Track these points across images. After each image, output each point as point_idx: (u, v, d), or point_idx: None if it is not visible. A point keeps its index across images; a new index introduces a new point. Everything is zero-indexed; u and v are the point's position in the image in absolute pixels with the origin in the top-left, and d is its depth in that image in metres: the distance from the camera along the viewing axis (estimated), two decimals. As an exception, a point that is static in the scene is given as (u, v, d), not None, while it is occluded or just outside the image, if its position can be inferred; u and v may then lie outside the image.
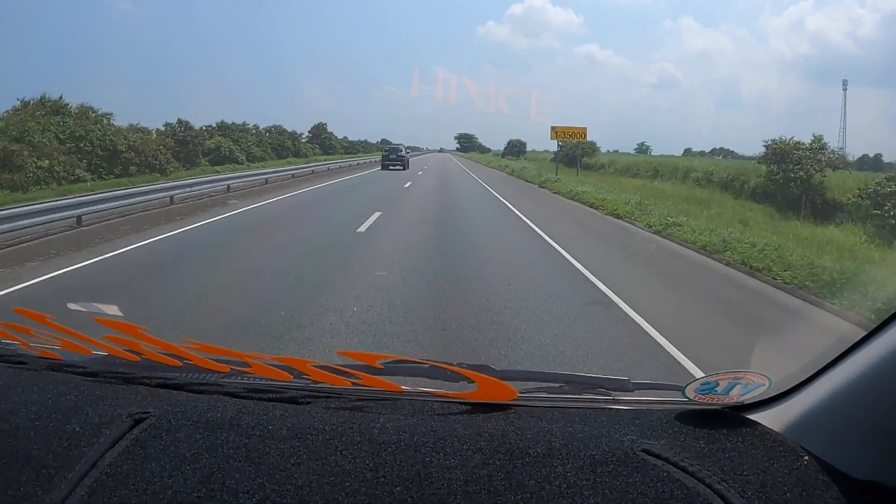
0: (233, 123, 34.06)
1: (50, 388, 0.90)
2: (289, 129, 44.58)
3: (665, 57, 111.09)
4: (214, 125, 32.01)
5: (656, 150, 56.88)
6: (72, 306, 1.47)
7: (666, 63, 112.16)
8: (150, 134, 23.39)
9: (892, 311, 0.79)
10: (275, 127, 42.23)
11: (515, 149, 64.02)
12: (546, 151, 61.64)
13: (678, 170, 25.48)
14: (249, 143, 33.37)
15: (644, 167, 28.11)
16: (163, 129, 24.49)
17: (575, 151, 33.26)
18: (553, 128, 27.21)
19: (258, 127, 37.79)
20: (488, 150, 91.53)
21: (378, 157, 37.92)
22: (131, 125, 23.28)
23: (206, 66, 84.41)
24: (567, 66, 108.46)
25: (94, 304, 1.48)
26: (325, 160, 35.42)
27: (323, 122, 61.14)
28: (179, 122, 25.08)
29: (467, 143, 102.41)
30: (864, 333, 0.80)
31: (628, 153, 50.73)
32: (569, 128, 27.78)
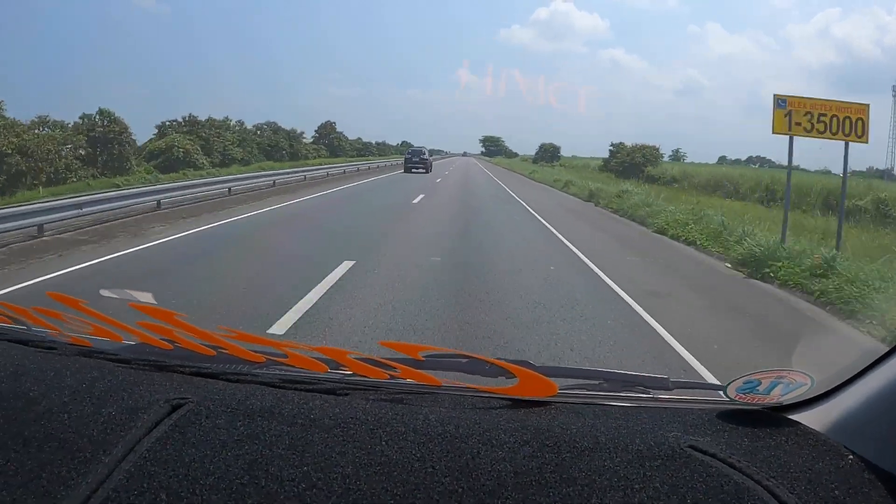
0: (209, 119, 27.03)
1: (83, 372, 0.90)
2: (286, 128, 38.55)
3: (690, 63, 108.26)
4: (181, 120, 24.96)
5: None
6: (104, 293, 1.29)
7: (690, 69, 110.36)
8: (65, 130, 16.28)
9: None
10: (268, 124, 35.27)
11: (548, 153, 56.17)
12: (576, 157, 54.34)
13: (808, 191, 16.80)
14: (227, 143, 27.80)
15: (747, 183, 19.82)
16: (80, 121, 17.29)
17: (633, 158, 25.22)
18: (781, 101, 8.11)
19: (243, 124, 30.73)
20: (515, 155, 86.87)
21: (395, 160, 36.96)
22: (40, 118, 16.15)
23: (218, 62, 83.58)
24: (591, 70, 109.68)
25: (128, 291, 1.24)
26: (330, 163, 30.49)
27: (332, 120, 53.93)
28: (102, 112, 18.07)
29: (493, 147, 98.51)
30: None
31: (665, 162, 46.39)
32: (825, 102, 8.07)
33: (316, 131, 54.29)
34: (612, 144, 26.53)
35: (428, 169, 31.59)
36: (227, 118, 30.44)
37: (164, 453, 0.72)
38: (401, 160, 38.81)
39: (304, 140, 41.78)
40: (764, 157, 46.63)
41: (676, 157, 69.31)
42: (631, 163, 24.91)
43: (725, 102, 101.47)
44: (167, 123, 25.78)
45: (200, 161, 22.09)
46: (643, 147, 25.46)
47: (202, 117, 26.85)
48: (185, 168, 21.49)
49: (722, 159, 55.17)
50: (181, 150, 21.21)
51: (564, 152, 60.22)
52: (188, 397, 0.83)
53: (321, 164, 28.39)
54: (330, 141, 54.22)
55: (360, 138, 65.38)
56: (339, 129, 54.58)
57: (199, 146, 24.14)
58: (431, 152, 40.30)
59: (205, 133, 25.37)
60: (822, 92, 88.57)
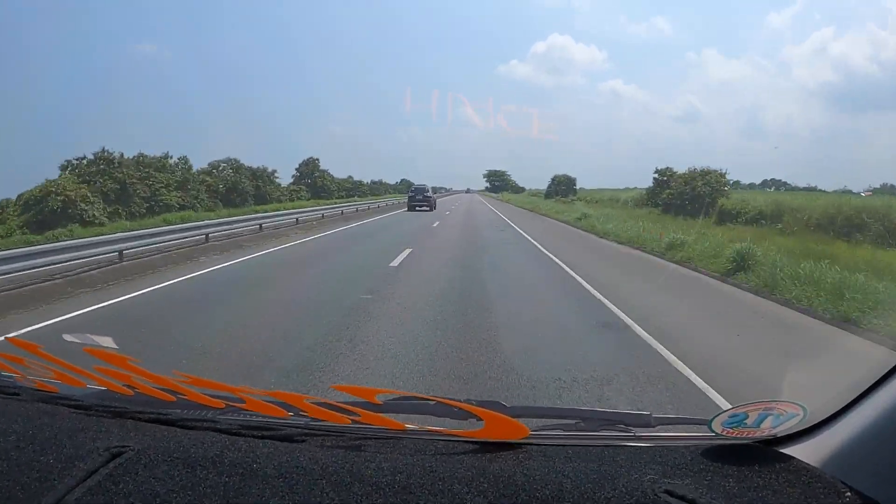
0: (138, 156, 20.60)
1: (34, 419, 0.90)
2: (253, 165, 33.05)
3: (689, 89, 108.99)
4: (92, 157, 18.35)
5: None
6: (67, 337, 1.38)
7: (690, 95, 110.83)
8: None
9: None
10: (227, 161, 28.56)
11: (562, 186, 48.74)
12: (601, 190, 47.79)
13: None
14: (159, 186, 22.03)
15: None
16: None
17: (695, 188, 18.10)
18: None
19: (188, 161, 24.18)
20: (522, 190, 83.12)
21: (393, 199, 36.11)
22: None
23: (222, 102, 77.63)
24: (591, 101, 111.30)
25: (89, 336, 1.38)
26: (304, 208, 25.05)
27: (315, 157, 47.20)
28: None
29: (498, 182, 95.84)
30: None
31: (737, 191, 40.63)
32: None
33: (297, 169, 47.70)
34: (657, 171, 19.79)
35: (432, 207, 31.48)
36: (167, 154, 23.53)
37: (93, 503, 0.70)
38: (397, 200, 38.18)
39: (277, 179, 36.20)
40: (779, 180, 45.26)
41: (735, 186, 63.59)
42: (693, 194, 17.60)
43: (725, 127, 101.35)
44: (71, 163, 18.89)
45: (91, 213, 14.91)
46: (705, 173, 18.34)
47: (130, 154, 20.12)
48: (68, 223, 14.41)
49: (735, 184, 54.65)
50: (60, 198, 14.09)
51: (580, 184, 53.46)
52: (129, 445, 0.82)
53: (296, 209, 23.16)
54: (313, 180, 47.30)
55: (350, 177, 58.64)
56: (324, 166, 47.86)
57: (108, 191, 17.11)
58: (434, 189, 38.94)
59: (121, 174, 18.44)
60: (820, 111, 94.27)
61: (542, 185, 67.58)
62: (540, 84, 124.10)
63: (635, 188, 28.73)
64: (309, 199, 38.13)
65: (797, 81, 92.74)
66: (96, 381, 0.98)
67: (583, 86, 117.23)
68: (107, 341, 1.14)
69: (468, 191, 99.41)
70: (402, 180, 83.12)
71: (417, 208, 30.93)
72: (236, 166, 30.78)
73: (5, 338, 1.29)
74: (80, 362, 0.99)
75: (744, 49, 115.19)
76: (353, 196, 52.32)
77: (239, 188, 27.10)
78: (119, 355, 0.97)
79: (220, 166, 29.23)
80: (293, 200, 34.91)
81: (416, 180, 44.97)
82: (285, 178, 46.05)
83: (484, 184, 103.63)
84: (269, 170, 34.43)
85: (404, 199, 38.68)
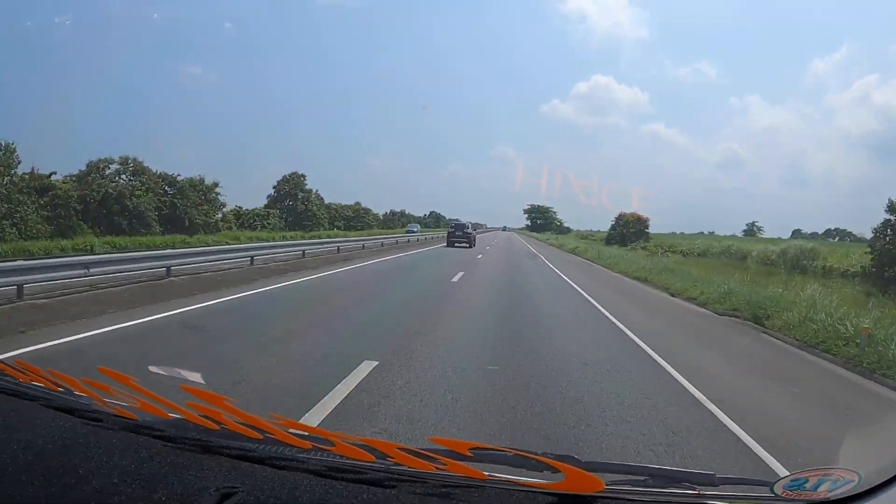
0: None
1: (130, 451, 0.99)
2: (207, 180, 29.54)
3: (731, 136, 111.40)
4: None
5: (723, 231, 52.08)
6: (153, 369, 1.45)
7: (731, 142, 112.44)
8: None
9: None
10: (171, 176, 20.19)
11: (631, 229, 36.37)
12: (712, 235, 40.37)
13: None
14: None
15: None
16: None
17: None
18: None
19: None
20: (568, 230, 77.40)
21: (414, 233, 41.44)
22: None
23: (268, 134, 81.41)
24: (633, 144, 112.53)
25: (177, 370, 1.41)
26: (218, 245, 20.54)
27: (299, 171, 37.36)
28: None
29: (541, 219, 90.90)
30: None
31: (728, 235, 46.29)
32: None
33: (274, 188, 37.29)
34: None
35: (472, 243, 34.17)
36: (34, 169, 21.84)
37: None
38: (427, 235, 42.49)
39: (220, 196, 31.28)
40: (843, 229, 49.05)
41: (750, 231, 61.69)
42: None
43: (766, 174, 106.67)
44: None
45: None
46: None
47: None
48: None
49: (796, 233, 55.44)
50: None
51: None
52: (237, 486, 0.90)
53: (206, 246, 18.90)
54: (293, 205, 36.24)
55: (358, 203, 47.91)
56: (364, 201, 38.54)
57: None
58: (476, 225, 42.67)
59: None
60: (863, 159, 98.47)
61: (591, 226, 65.66)
62: (582, 125, 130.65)
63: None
64: (281, 232, 27.78)
65: (839, 130, 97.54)
66: (182, 412, 1.06)
67: (625, 127, 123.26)
68: (195, 377, 1.22)
69: (504, 228, 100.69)
70: (431, 212, 75.60)
71: (457, 244, 33.74)
72: (175, 180, 21.21)
73: (97, 367, 1.08)
74: (174, 397, 1.09)
75: (787, 95, 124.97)
76: (355, 228, 41.65)
77: (177, 213, 17.51)
78: (215, 394, 1.05)
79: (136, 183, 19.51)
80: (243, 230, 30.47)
81: (450, 214, 50.56)
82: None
83: (524, 221, 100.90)
84: (208, 182, 24.36)
85: (430, 232, 43.96)
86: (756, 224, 63.83)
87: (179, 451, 0.98)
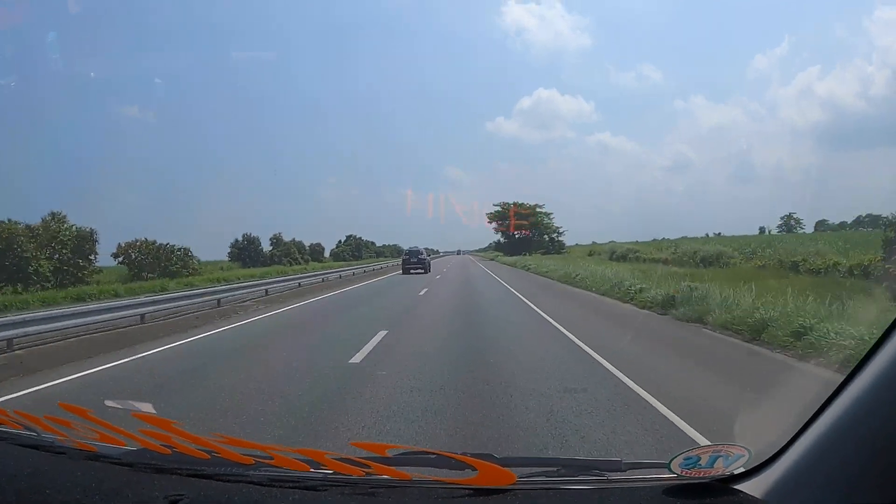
0: None
1: (91, 473, 1.10)
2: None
3: (678, 138, 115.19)
4: None
5: (673, 235, 48.26)
6: (109, 403, 1.57)
7: (680, 144, 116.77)
8: None
9: (856, 363, 0.91)
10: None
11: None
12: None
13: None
14: None
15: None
16: None
17: None
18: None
19: None
20: (562, 247, 65.07)
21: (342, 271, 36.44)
22: None
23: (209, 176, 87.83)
24: (581, 155, 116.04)
25: (130, 402, 1.61)
26: None
27: (252, 233, 44.87)
28: None
29: (525, 229, 67.68)
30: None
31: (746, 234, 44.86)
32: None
33: (231, 246, 42.87)
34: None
35: (426, 269, 35.06)
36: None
37: None
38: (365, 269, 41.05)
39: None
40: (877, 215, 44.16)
41: (787, 226, 58.93)
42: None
43: (714, 174, 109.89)
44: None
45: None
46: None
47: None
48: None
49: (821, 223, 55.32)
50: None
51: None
52: (184, 493, 1.00)
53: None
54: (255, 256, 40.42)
55: (289, 235, 50.92)
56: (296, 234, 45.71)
57: None
58: (428, 251, 42.47)
59: None
60: (810, 151, 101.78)
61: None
62: (529, 141, 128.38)
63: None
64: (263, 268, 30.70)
65: (785, 123, 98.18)
66: (137, 440, 1.15)
67: (571, 139, 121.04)
68: (147, 407, 1.31)
69: (459, 252, 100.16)
70: (386, 245, 79.12)
71: (412, 271, 34.70)
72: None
73: (58, 403, 1.28)
74: (127, 426, 1.19)
75: (731, 93, 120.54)
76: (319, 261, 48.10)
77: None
78: (163, 419, 1.15)
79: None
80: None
81: (403, 243, 47.20)
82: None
83: (493, 238, 74.65)
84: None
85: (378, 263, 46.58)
86: (794, 216, 58.39)
87: (136, 472, 1.10)
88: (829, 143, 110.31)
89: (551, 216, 59.03)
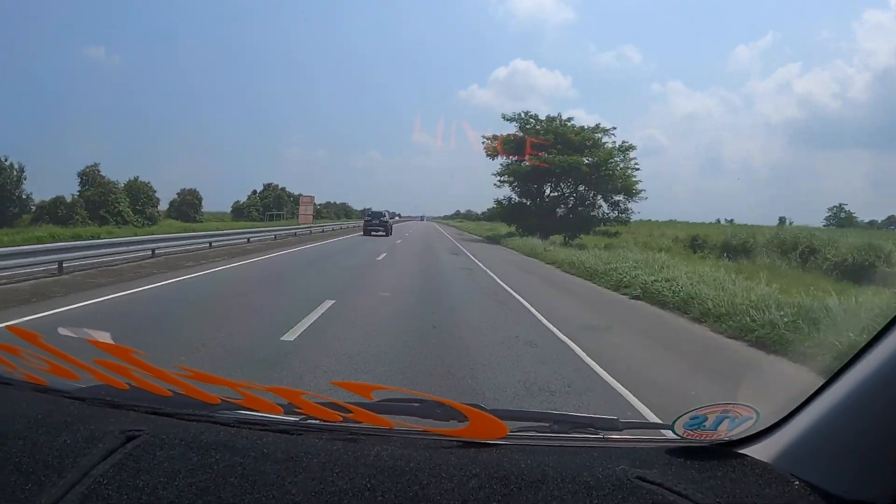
0: None
1: (38, 405, 1.01)
2: None
3: (651, 122, 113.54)
4: None
5: (635, 217, 35.20)
6: (62, 331, 1.33)
7: (652, 129, 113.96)
8: None
9: (871, 337, 0.87)
10: None
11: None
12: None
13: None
14: None
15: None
16: None
17: None
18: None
19: None
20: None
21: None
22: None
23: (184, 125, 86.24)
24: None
25: (85, 330, 1.28)
26: None
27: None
28: None
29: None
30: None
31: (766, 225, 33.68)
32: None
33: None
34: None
35: (388, 232, 34.99)
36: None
37: (117, 479, 0.79)
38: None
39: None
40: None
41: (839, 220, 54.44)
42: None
43: (685, 162, 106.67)
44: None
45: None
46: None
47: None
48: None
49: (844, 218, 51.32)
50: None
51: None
52: (143, 429, 0.92)
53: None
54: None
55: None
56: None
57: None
58: (391, 214, 42.94)
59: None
60: (781, 147, 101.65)
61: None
62: (502, 111, 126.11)
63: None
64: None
65: (759, 117, 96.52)
66: (93, 373, 1.06)
67: (545, 112, 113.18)
68: (104, 336, 1.12)
69: (422, 218, 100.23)
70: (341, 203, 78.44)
71: (373, 233, 34.35)
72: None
73: (6, 326, 1.14)
74: (83, 354, 1.07)
75: (709, 82, 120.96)
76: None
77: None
78: (122, 347, 1.03)
79: None
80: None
81: (367, 205, 49.32)
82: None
83: (499, 195, 36.99)
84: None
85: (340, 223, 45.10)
86: (846, 208, 51.93)
87: (89, 406, 1.01)
88: (801, 141, 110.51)
89: (619, 155, 30.87)
